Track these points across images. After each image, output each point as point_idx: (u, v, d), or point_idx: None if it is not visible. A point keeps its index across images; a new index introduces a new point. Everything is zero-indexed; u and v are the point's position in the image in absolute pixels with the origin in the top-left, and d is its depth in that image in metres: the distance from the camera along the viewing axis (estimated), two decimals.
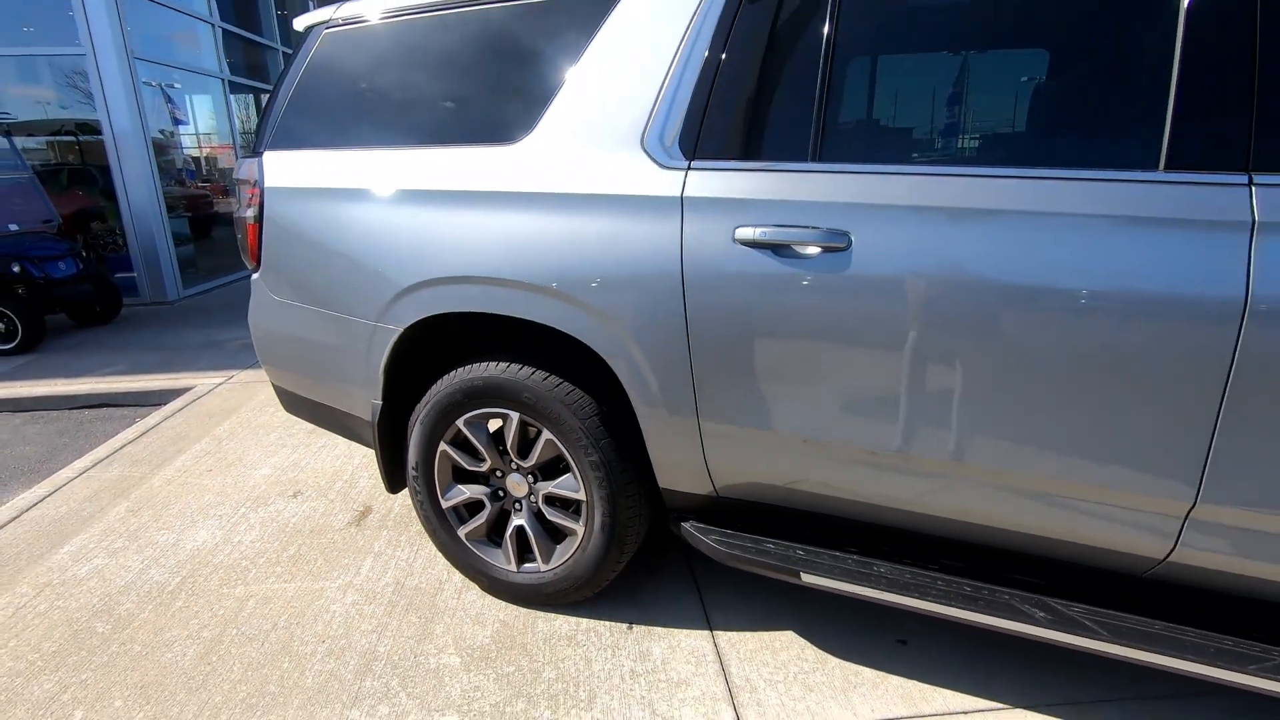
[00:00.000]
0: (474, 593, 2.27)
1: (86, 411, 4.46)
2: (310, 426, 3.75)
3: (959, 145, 1.75)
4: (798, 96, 1.65)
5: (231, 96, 8.96)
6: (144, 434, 3.70)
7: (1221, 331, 1.31)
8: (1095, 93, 1.47)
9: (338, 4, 2.26)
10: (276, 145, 2.26)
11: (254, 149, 2.35)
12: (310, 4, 11.61)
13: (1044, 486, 1.53)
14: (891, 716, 1.74)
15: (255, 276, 2.39)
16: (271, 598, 2.28)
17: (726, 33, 1.71)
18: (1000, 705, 1.77)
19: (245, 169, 2.33)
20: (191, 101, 8.32)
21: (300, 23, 2.33)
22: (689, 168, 1.71)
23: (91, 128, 6.95)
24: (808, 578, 1.76)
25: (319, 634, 2.10)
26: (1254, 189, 1.30)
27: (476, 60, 2.03)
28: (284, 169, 2.22)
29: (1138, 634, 1.52)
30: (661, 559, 2.44)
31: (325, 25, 2.24)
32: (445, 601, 2.24)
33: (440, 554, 2.40)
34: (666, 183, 1.71)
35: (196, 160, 8.92)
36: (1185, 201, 1.34)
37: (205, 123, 8.88)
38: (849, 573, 1.75)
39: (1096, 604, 1.61)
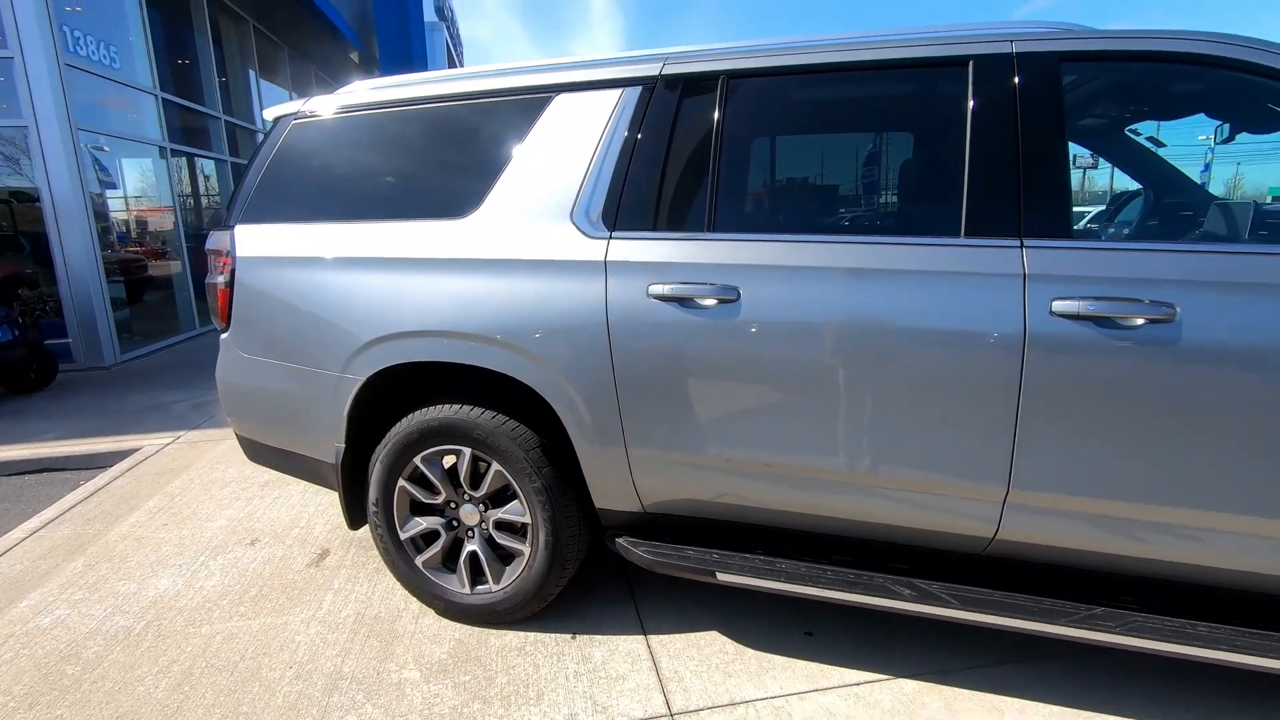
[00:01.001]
0: (430, 617, 2.49)
1: (27, 477, 4.45)
2: (264, 479, 3.89)
3: (820, 218, 2.19)
4: (695, 180, 2.07)
5: (171, 161, 9.07)
6: (93, 494, 3.76)
7: (1010, 357, 1.74)
8: (918, 181, 1.93)
9: (305, 98, 2.60)
10: (248, 220, 2.54)
11: (225, 223, 2.62)
12: (253, 77, 11.91)
13: (899, 486, 1.91)
14: (795, 691, 2.05)
15: (224, 336, 2.63)
16: (237, 634, 2.44)
17: (637, 129, 2.12)
18: (885, 676, 2.11)
19: (217, 240, 2.60)
20: (125, 168, 8.41)
21: (270, 113, 2.65)
22: (611, 237, 2.09)
23: (27, 195, 6.97)
24: (722, 576, 2.09)
25: (286, 661, 2.28)
26: (1024, 250, 1.76)
27: (429, 148, 2.39)
28: (256, 241, 2.50)
29: (981, 601, 1.90)
30: (601, 580, 2.71)
31: (294, 116, 2.57)
32: (404, 626, 2.45)
33: (399, 583, 2.62)
34: (593, 250, 2.09)
35: (128, 224, 8.93)
36: (979, 260, 1.78)
37: (144, 188, 8.95)
38: (756, 570, 2.08)
39: (950, 580, 1.98)
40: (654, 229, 2.07)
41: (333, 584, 2.75)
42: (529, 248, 2.15)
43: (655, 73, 2.14)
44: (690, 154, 2.08)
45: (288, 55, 13.48)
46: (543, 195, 2.18)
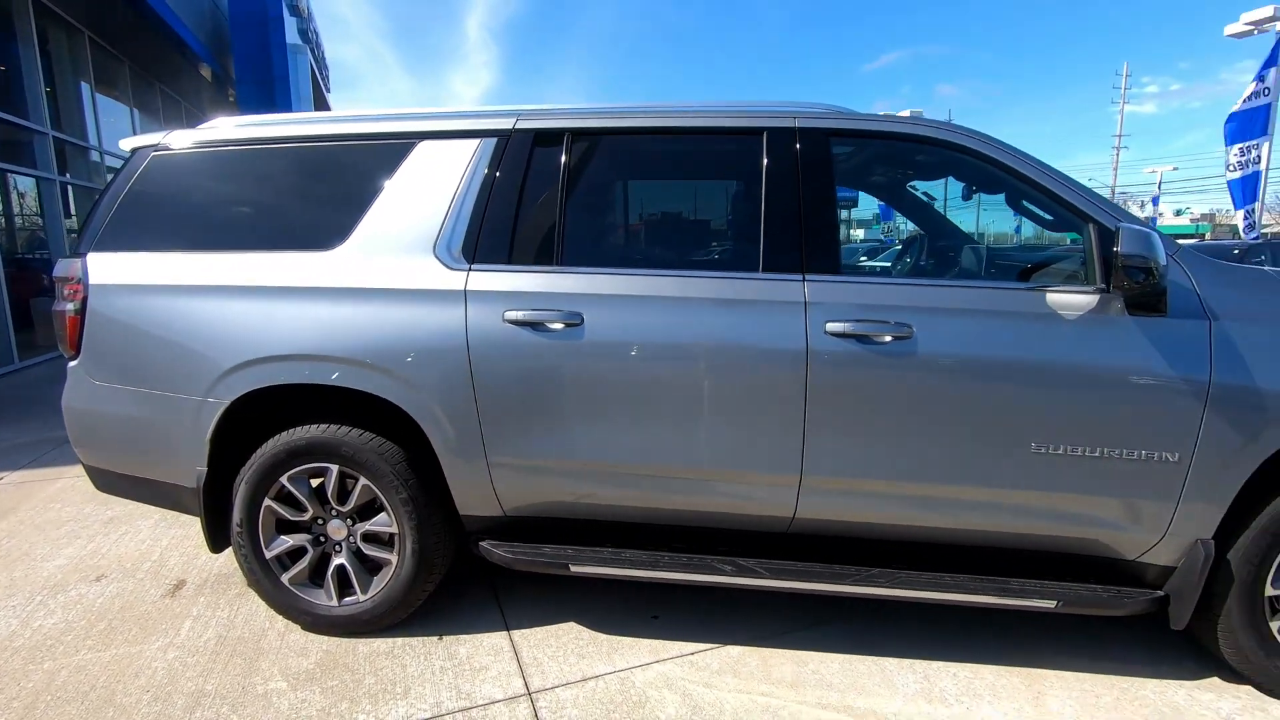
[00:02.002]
0: (296, 632, 2.57)
1: None
2: (108, 516, 3.71)
3: (650, 254, 2.57)
4: (545, 220, 2.38)
5: None
6: None
7: (797, 367, 2.17)
8: (727, 226, 2.35)
9: (165, 130, 2.67)
10: (103, 248, 2.56)
11: (76, 250, 2.61)
12: (87, 91, 11.00)
13: (718, 478, 2.29)
14: (639, 664, 2.35)
15: (73, 364, 2.60)
16: (85, 666, 2.39)
17: (493, 175, 2.41)
18: (715, 645, 2.46)
19: (67, 268, 2.58)
20: None
21: (128, 144, 2.69)
22: (470, 269, 2.35)
23: None
24: (575, 568, 2.37)
25: (142, 686, 2.28)
26: (805, 283, 2.21)
27: (296, 185, 2.55)
28: (112, 268, 2.52)
29: (787, 571, 2.30)
30: (467, 587, 2.89)
31: (154, 148, 2.63)
32: (269, 644, 2.51)
33: (263, 604, 2.67)
34: (454, 280, 2.34)
35: None
36: (773, 290, 2.21)
37: None
38: (605, 560, 2.38)
39: (764, 556, 2.37)
40: (509, 262, 2.35)
41: (191, 612, 2.74)
42: (395, 278, 2.36)
43: (510, 126, 2.45)
44: (540, 197, 2.39)
45: (130, 71, 12.56)
46: (407, 230, 2.41)
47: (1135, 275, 1.96)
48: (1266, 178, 16.65)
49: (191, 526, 3.55)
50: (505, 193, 2.39)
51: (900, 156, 2.65)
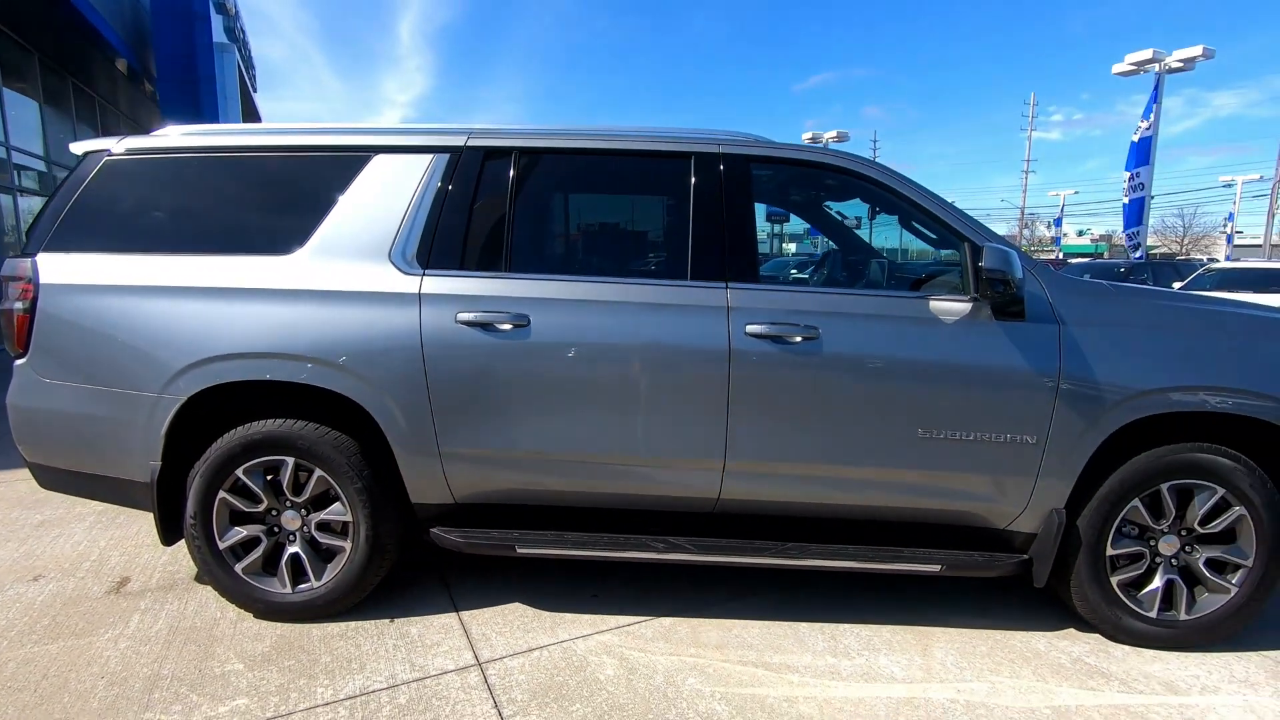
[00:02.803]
0: (250, 620, 2.67)
1: None
2: (39, 520, 3.66)
3: (592, 262, 2.82)
4: (494, 229, 2.60)
5: None
6: None
7: (721, 364, 2.46)
8: (661, 238, 2.63)
9: (119, 136, 2.75)
10: (53, 249, 2.61)
11: (24, 251, 2.65)
12: None
13: (652, 464, 2.55)
14: (580, 635, 2.58)
15: (19, 362, 2.64)
16: (34, 658, 2.44)
17: (446, 187, 2.61)
18: (650, 617, 2.72)
19: (14, 267, 2.63)
20: None
21: (78, 148, 2.75)
22: (424, 274, 2.54)
23: None
24: (521, 549, 2.58)
25: (96, 673, 2.35)
26: (728, 290, 2.50)
27: (253, 192, 2.69)
28: (63, 269, 2.58)
29: (712, 547, 2.58)
30: (418, 575, 3.05)
31: (106, 153, 2.70)
32: (223, 631, 2.61)
33: (215, 594, 2.75)
34: (409, 284, 2.52)
35: None
36: (701, 296, 2.50)
37: None
38: (548, 542, 2.60)
39: (693, 534, 2.64)
40: (461, 268, 2.56)
41: (138, 605, 2.79)
42: (352, 281, 2.53)
43: (462, 143, 2.66)
44: (489, 209, 2.61)
45: (39, 63, 11.94)
46: (364, 237, 2.58)
47: (996, 286, 2.35)
48: (1149, 203, 18.34)
49: (130, 528, 3.56)
50: (457, 204, 2.60)
51: (811, 180, 3.00)
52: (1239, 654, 2.58)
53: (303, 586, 2.66)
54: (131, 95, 15.99)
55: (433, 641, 2.55)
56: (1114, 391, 2.44)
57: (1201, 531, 2.55)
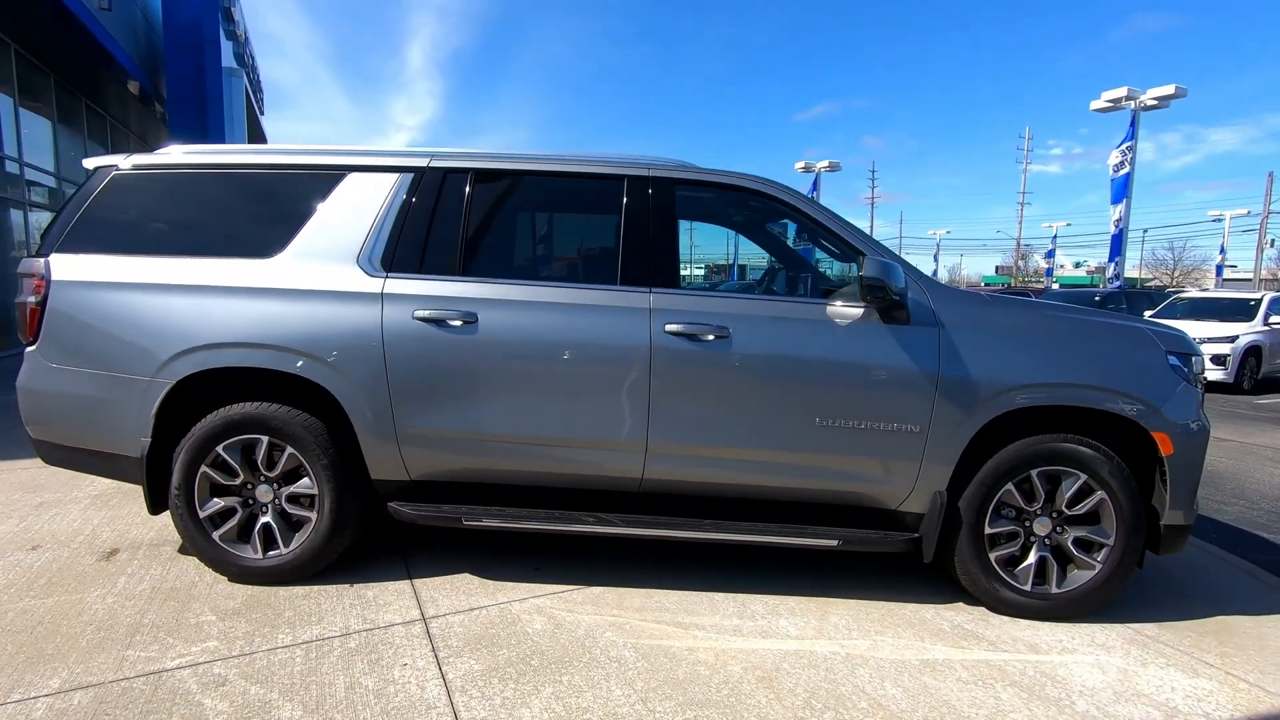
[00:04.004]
0: (224, 583, 2.99)
1: None
2: (38, 501, 3.98)
3: (534, 268, 3.19)
4: (450, 239, 2.97)
5: None
6: None
7: (644, 358, 2.81)
8: (596, 248, 3.00)
9: (126, 153, 3.13)
10: (65, 250, 2.98)
11: (38, 252, 3.02)
12: (9, 104, 10.94)
13: (583, 445, 2.89)
14: (518, 599, 2.90)
15: (30, 349, 2.99)
16: (31, 610, 2.75)
17: (409, 203, 2.99)
18: (582, 585, 3.03)
19: (30, 265, 2.99)
20: None
21: (89, 163, 3.14)
22: (387, 276, 2.91)
23: None
24: (467, 521, 2.91)
25: (85, 620, 2.66)
26: (651, 294, 2.87)
27: (241, 203, 3.06)
28: (73, 267, 2.95)
29: (636, 521, 2.91)
30: (378, 551, 3.37)
31: (114, 168, 3.09)
32: (199, 591, 2.92)
33: (195, 560, 3.07)
34: (373, 285, 2.89)
35: None
36: (627, 299, 2.86)
37: None
38: (491, 515, 2.93)
39: (620, 510, 2.97)
40: (419, 272, 2.93)
41: (126, 570, 3.11)
42: (324, 282, 2.90)
43: (424, 165, 3.04)
44: (446, 221, 2.98)
45: (55, 84, 12.49)
46: (336, 244, 2.95)
47: (875, 292, 2.71)
48: (1127, 236, 18.81)
49: (121, 509, 3.88)
50: (418, 217, 2.97)
51: (731, 201, 3.38)
52: (1105, 624, 2.90)
53: (273, 553, 2.98)
54: (142, 116, 16.57)
55: (385, 602, 2.86)
56: (986, 387, 2.79)
57: (1069, 514, 2.88)
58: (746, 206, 3.46)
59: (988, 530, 2.88)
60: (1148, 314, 12.97)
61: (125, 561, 3.21)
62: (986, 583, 2.89)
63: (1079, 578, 2.90)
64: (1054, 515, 2.90)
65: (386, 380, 2.85)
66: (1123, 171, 18.38)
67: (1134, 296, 15.48)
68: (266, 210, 3.08)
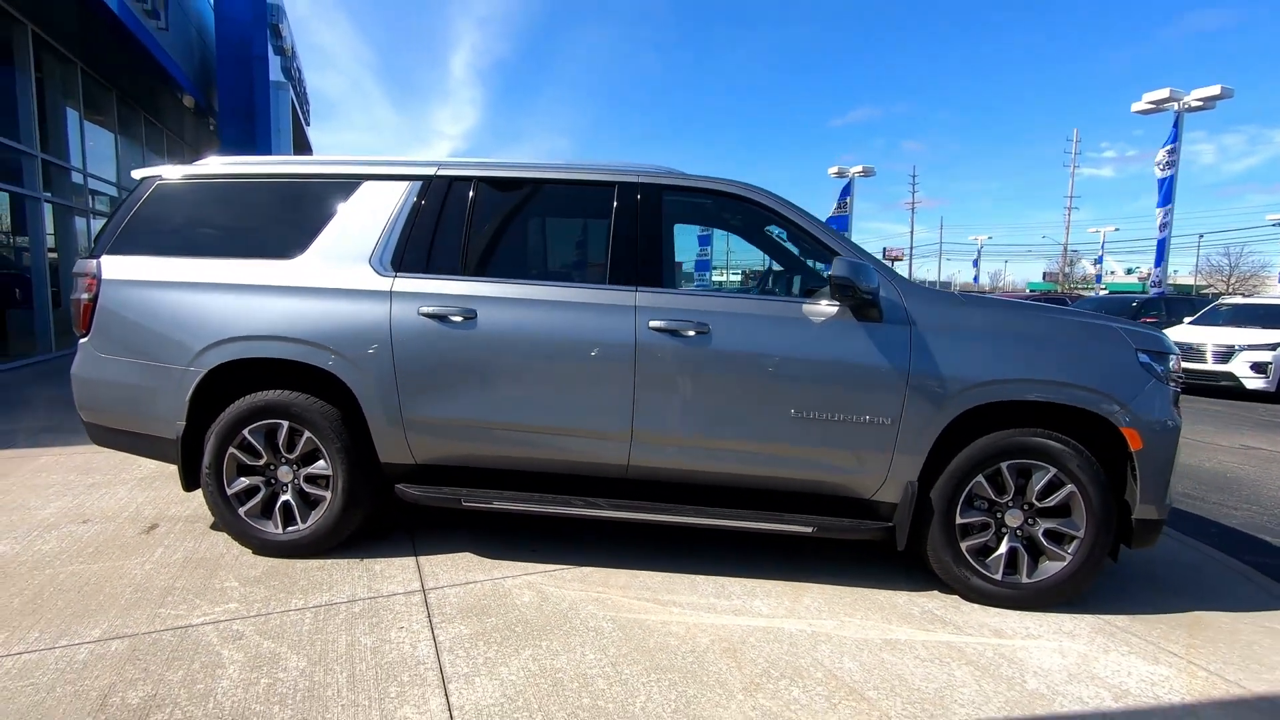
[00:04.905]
0: (248, 555, 3.28)
1: None
2: (90, 482, 4.37)
3: (532, 268, 3.42)
4: (454, 242, 3.22)
5: None
6: None
7: (629, 352, 3.01)
8: (589, 250, 3.21)
9: (166, 164, 3.47)
10: (114, 252, 3.32)
11: (92, 254, 3.37)
12: (75, 118, 11.72)
13: (576, 433, 3.10)
14: (512, 575, 3.12)
15: (83, 341, 3.34)
16: (79, 573, 3.08)
17: (417, 208, 3.25)
18: (571, 566, 3.24)
19: (84, 266, 3.34)
20: None
21: (137, 174, 3.49)
22: (396, 276, 3.17)
23: None
24: (465, 503, 3.14)
25: (125, 583, 2.97)
26: (636, 293, 3.07)
27: (269, 210, 3.37)
28: (121, 267, 3.29)
29: (622, 505, 3.10)
30: (389, 532, 3.63)
31: (158, 178, 3.42)
32: (226, 562, 3.22)
33: (223, 533, 3.38)
34: (383, 284, 3.15)
35: None
36: (614, 297, 3.07)
37: None
38: (489, 497, 3.16)
39: (610, 496, 3.17)
40: (426, 272, 3.18)
41: (163, 542, 3.43)
42: (340, 281, 3.17)
43: (432, 173, 3.30)
44: (451, 226, 3.23)
45: (116, 99, 13.31)
46: (351, 246, 3.23)
47: (844, 291, 2.86)
48: (1170, 240, 18.29)
49: (164, 489, 4.23)
50: (425, 221, 3.23)
51: (717, 205, 3.56)
52: (1076, 615, 2.98)
53: (292, 528, 3.26)
54: (197, 128, 17.46)
55: (390, 575, 3.11)
56: (955, 382, 2.91)
57: (1040, 506, 2.98)
58: (730, 210, 3.63)
59: (959, 520, 3.00)
60: (1187, 320, 12.64)
61: (163, 534, 3.54)
62: (957, 570, 3.00)
63: (1049, 568, 2.98)
64: (1025, 507, 3.00)
65: (394, 371, 3.11)
66: (1166, 174, 17.89)
67: (1174, 302, 15.06)
68: (291, 216, 3.37)
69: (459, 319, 3.09)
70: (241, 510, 3.26)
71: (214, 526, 3.60)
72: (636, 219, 3.16)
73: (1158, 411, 2.92)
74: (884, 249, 65.81)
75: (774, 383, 2.99)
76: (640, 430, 3.06)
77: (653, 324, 3.01)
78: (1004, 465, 2.95)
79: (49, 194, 10.88)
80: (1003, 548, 3.01)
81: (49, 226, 10.92)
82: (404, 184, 3.31)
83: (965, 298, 3.15)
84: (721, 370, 3.01)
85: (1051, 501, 2.96)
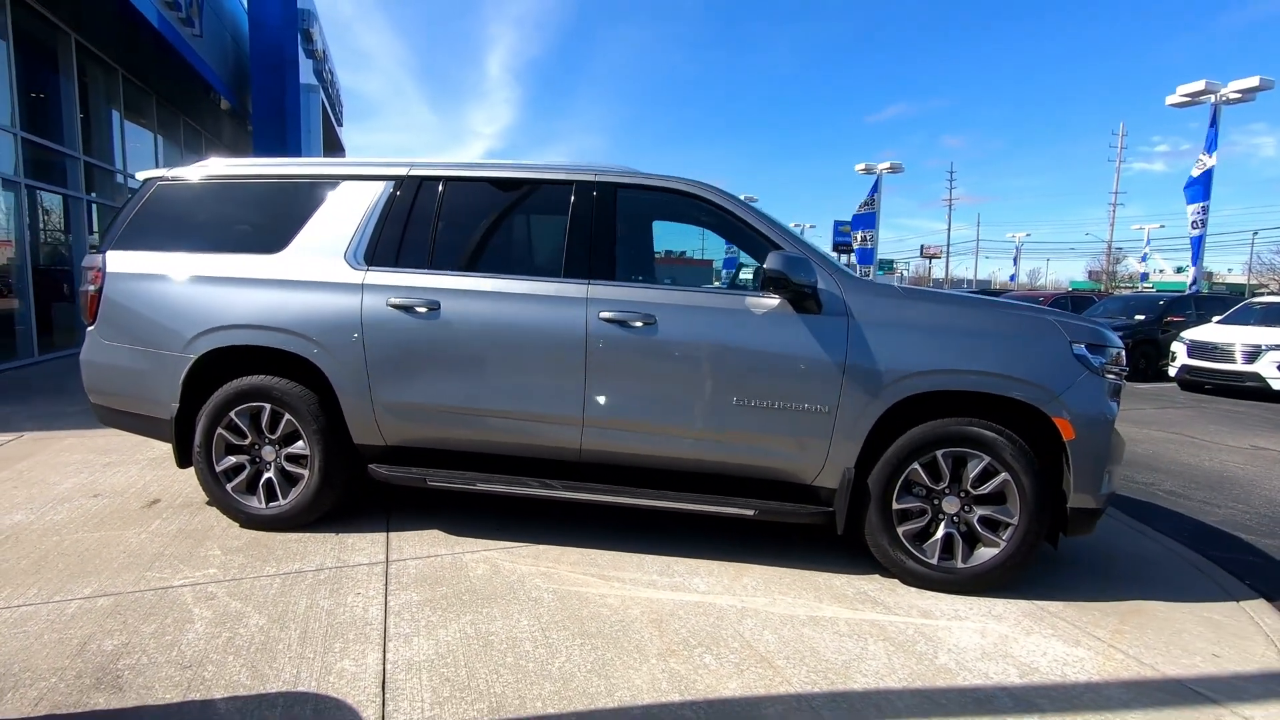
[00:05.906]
0: (235, 528, 3.55)
1: None
2: (106, 461, 4.72)
3: (492, 262, 3.60)
4: (422, 238, 3.43)
5: (24, 197, 9.41)
6: None
7: (581, 342, 3.18)
8: (545, 244, 3.39)
9: (169, 169, 3.76)
10: (118, 247, 3.62)
11: (98, 249, 3.68)
12: (117, 120, 12.35)
13: (529, 418, 3.28)
14: (471, 550, 3.32)
15: (91, 329, 3.64)
16: (82, 540, 3.38)
17: (389, 207, 3.47)
18: (529, 543, 3.43)
19: (91, 260, 3.65)
20: None
21: (141, 175, 3.78)
22: (368, 269, 3.39)
23: None
24: (430, 482, 3.36)
25: (121, 550, 3.26)
26: (589, 285, 3.24)
27: (257, 208, 3.63)
28: (124, 262, 3.58)
29: (576, 487, 3.28)
30: (366, 509, 3.87)
31: (159, 179, 3.71)
32: (214, 533, 3.49)
33: (213, 508, 3.65)
34: (355, 277, 3.38)
35: None
36: (567, 289, 3.24)
37: None
38: (452, 478, 3.37)
39: (562, 477, 3.35)
40: (395, 266, 3.40)
41: (161, 515, 3.73)
42: (316, 274, 3.41)
43: (404, 174, 3.52)
44: (420, 222, 3.45)
45: (156, 102, 13.96)
46: (328, 242, 3.47)
47: (777, 284, 2.99)
48: (1205, 238, 17.74)
49: (171, 469, 4.55)
50: (396, 218, 3.45)
51: (670, 202, 3.69)
52: (1010, 600, 3.06)
53: (274, 504, 3.52)
54: (233, 129, 18.17)
55: (360, 548, 3.35)
56: (889, 373, 3.01)
57: (975, 493, 3.07)
58: (683, 206, 3.75)
59: (896, 506, 3.10)
60: (1215, 319, 12.28)
61: (163, 509, 3.83)
62: (894, 554, 3.11)
63: (984, 554, 3.07)
64: (962, 495, 3.09)
65: (364, 357, 3.34)
66: (1203, 169, 17.34)
67: (1207, 301, 14.62)
68: (277, 214, 3.62)
69: (423, 310, 3.30)
70: (229, 486, 3.53)
71: (209, 503, 3.88)
72: (591, 215, 3.33)
73: (1091, 403, 2.98)
74: (921, 246, 64.69)
75: (716, 371, 3.14)
76: (591, 416, 3.23)
77: (603, 315, 3.18)
78: (939, 453, 3.05)
79: (93, 194, 11.50)
80: (939, 533, 3.10)
81: (93, 225, 11.56)
82: (379, 184, 3.53)
83: (905, 290, 3.24)
84: (666, 359, 3.17)
85: (986, 489, 3.04)
